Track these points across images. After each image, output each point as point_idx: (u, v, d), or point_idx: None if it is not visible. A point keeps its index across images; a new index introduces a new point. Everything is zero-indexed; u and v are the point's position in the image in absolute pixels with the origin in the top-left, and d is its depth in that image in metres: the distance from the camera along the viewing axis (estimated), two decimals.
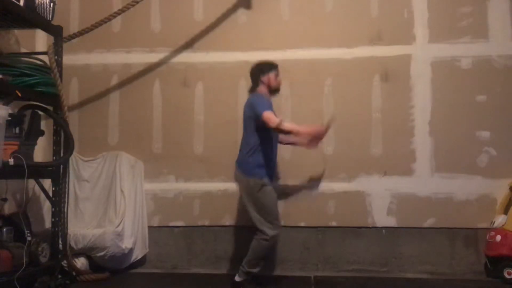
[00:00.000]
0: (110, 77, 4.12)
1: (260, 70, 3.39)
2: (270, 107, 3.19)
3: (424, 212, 3.78)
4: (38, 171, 3.18)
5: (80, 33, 3.78)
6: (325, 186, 3.86)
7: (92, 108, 4.12)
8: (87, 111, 4.12)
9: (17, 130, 3.03)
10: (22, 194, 3.34)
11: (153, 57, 4.10)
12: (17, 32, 3.69)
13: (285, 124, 3.09)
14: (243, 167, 3.25)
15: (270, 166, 3.27)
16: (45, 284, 3.11)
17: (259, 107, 3.15)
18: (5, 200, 3.26)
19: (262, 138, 3.22)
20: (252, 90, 3.47)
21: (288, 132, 3.16)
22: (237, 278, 3.27)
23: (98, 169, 3.95)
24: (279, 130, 3.11)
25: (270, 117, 3.08)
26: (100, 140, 4.07)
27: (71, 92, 4.11)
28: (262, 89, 3.37)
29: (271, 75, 3.37)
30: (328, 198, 3.86)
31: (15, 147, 2.90)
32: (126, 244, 3.61)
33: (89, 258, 3.61)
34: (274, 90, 3.41)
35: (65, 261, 3.42)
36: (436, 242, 3.77)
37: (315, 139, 3.14)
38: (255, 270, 3.24)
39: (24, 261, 2.90)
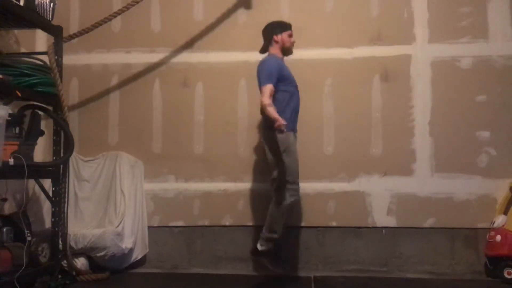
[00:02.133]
0: (110, 77, 4.12)
1: (273, 29, 3.35)
2: (272, 78, 3.13)
3: (424, 212, 3.78)
4: (38, 171, 3.18)
5: (80, 33, 3.78)
6: (325, 186, 3.86)
7: (92, 108, 4.12)
8: (87, 111, 4.12)
9: (17, 130, 3.03)
10: (22, 194, 3.34)
11: (153, 57, 4.10)
12: (17, 32, 3.71)
13: (270, 109, 3.06)
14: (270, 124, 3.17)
15: (294, 120, 3.28)
16: (45, 284, 3.11)
17: (261, 77, 3.17)
18: (5, 200, 3.27)
19: (282, 94, 3.21)
20: (264, 49, 3.43)
21: (268, 116, 3.12)
22: (258, 247, 3.21)
23: (98, 169, 3.95)
24: (263, 109, 3.11)
25: (265, 93, 3.09)
26: (100, 140, 4.07)
27: (71, 92, 4.11)
28: (274, 49, 3.35)
29: (285, 35, 3.35)
30: (328, 198, 3.86)
31: (15, 147, 2.90)
32: (126, 244, 3.61)
33: (89, 258, 3.60)
34: (287, 51, 3.40)
35: (65, 261, 3.42)
36: (436, 242, 3.76)
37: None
38: (275, 235, 3.18)
39: (24, 261, 2.90)
